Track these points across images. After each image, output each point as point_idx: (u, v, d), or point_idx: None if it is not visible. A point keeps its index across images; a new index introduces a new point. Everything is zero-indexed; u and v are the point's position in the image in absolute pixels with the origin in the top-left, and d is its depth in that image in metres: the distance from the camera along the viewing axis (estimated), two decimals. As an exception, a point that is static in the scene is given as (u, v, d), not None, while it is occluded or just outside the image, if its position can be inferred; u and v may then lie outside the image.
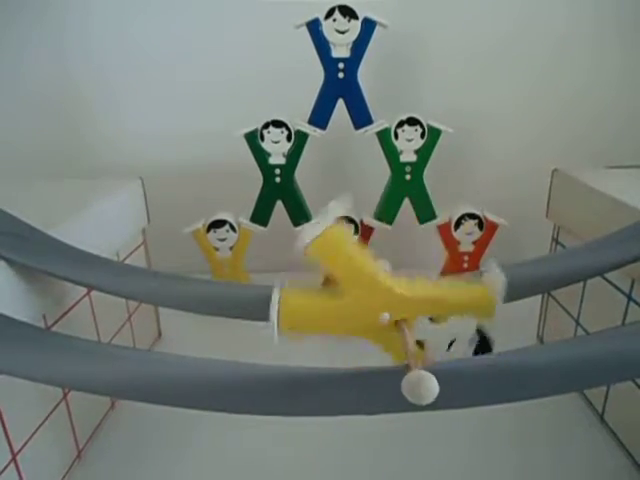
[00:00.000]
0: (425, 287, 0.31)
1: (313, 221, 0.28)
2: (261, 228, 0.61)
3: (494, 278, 0.31)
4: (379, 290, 0.29)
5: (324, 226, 0.28)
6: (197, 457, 0.43)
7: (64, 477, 0.40)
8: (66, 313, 0.40)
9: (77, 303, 0.42)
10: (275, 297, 0.29)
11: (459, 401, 0.28)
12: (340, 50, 0.55)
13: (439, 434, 0.44)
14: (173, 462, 0.42)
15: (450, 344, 0.30)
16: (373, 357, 0.30)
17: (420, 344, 0.31)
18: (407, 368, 0.25)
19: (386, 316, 0.30)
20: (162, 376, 0.29)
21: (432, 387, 0.24)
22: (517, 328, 0.59)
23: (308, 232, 0.28)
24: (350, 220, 0.61)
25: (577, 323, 0.48)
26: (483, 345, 0.30)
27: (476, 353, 0.30)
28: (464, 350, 0.30)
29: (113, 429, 0.46)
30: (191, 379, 0.28)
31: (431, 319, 0.31)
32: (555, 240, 0.54)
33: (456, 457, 0.42)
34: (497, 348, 0.58)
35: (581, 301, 0.47)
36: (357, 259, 0.29)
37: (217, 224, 0.60)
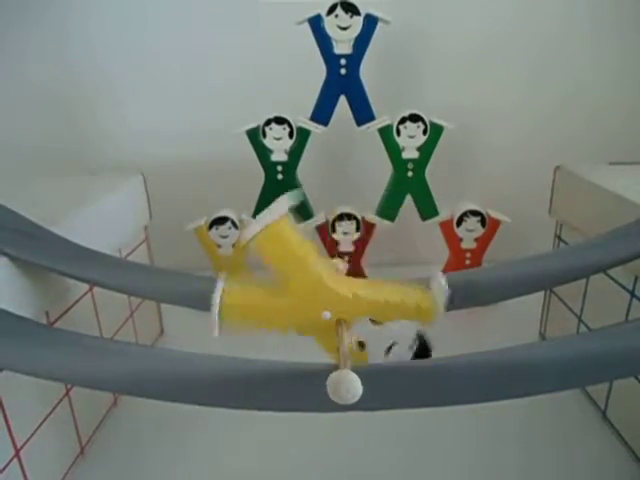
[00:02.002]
0: (369, 288, 0.31)
1: (260, 215, 0.28)
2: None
3: (438, 284, 0.31)
4: (321, 288, 0.30)
5: (268, 221, 0.28)
6: (200, 454, 0.43)
7: (67, 473, 0.40)
8: (68, 309, 0.40)
9: (79, 300, 0.42)
10: (217, 292, 0.30)
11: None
12: (342, 46, 0.55)
13: (439, 430, 0.44)
14: (176, 459, 0.42)
15: (390, 347, 0.31)
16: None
17: (362, 345, 0.31)
18: (335, 367, 0.25)
19: (327, 314, 0.30)
20: (166, 372, 0.29)
21: (353, 388, 0.24)
22: (519, 325, 0.60)
23: (252, 227, 0.28)
24: (352, 217, 0.61)
25: (579, 320, 0.48)
26: (422, 351, 0.30)
27: (415, 358, 0.30)
28: (403, 355, 0.30)
29: (116, 426, 0.46)
30: (195, 375, 0.28)
31: (372, 320, 0.31)
32: (558, 237, 0.53)
33: (456, 453, 0.42)
34: (498, 345, 0.58)
35: (584, 298, 0.47)
36: (300, 255, 0.29)
37: (219, 221, 0.60)
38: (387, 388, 0.27)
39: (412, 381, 0.27)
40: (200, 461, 0.42)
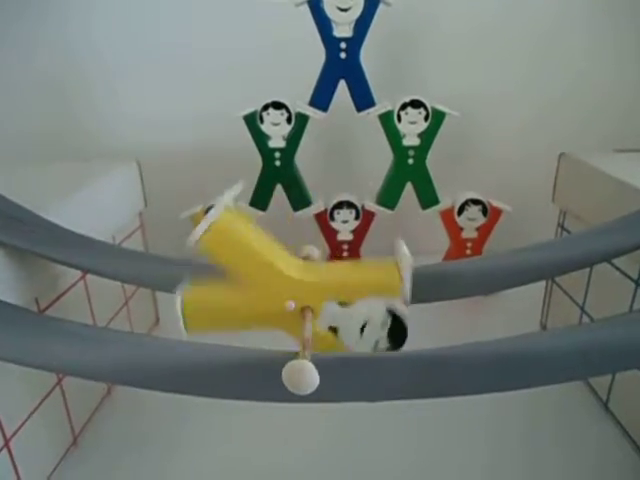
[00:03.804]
0: (330, 271, 0.30)
1: (209, 214, 0.27)
2: (260, 213, 0.60)
3: (402, 254, 0.29)
4: (279, 278, 0.29)
5: (212, 219, 0.27)
6: (194, 444, 0.42)
7: (59, 463, 0.39)
8: (60, 297, 0.39)
9: (72, 287, 0.41)
10: (178, 299, 0.29)
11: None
12: (342, 29, 0.54)
13: (441, 421, 0.43)
14: (170, 449, 0.41)
15: (362, 328, 0.30)
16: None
17: (334, 330, 0.30)
18: (295, 356, 0.24)
19: (291, 304, 0.29)
20: (160, 361, 0.28)
21: (308, 378, 0.23)
22: (520, 315, 0.59)
23: (197, 229, 0.27)
24: (351, 205, 0.60)
25: (582, 310, 0.47)
26: (396, 325, 0.29)
27: (391, 334, 0.29)
28: (377, 333, 0.29)
29: (109, 415, 0.45)
30: (190, 364, 0.27)
31: (340, 303, 0.30)
32: (561, 226, 0.52)
33: (458, 445, 0.41)
34: (499, 335, 0.58)
35: (587, 287, 0.46)
36: (252, 248, 0.28)
37: (216, 208, 0.59)
38: (352, 378, 0.26)
39: (397, 372, 0.26)
40: (195, 451, 0.41)
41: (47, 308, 0.38)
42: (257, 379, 0.27)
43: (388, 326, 0.29)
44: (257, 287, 0.29)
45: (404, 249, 0.30)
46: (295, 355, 0.25)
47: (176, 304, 0.29)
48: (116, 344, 0.28)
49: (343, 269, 0.32)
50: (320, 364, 0.24)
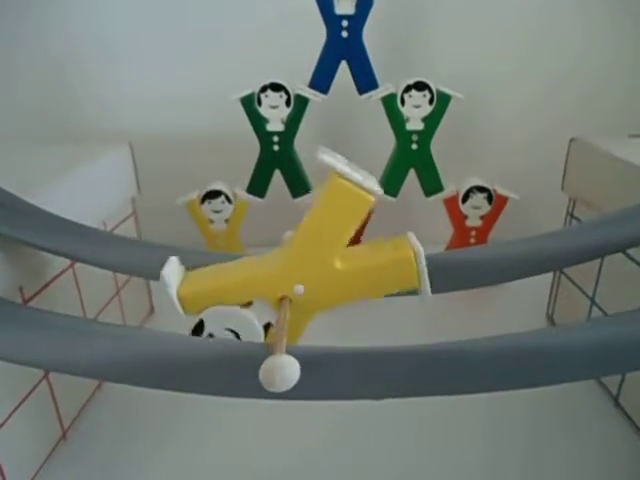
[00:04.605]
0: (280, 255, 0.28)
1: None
2: (258, 199, 0.58)
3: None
4: (265, 284, 0.27)
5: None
6: (186, 438, 0.40)
7: (47, 458, 0.38)
8: (47, 285, 0.37)
9: (60, 274, 0.39)
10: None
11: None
12: (344, 6, 0.51)
13: (444, 408, 0.41)
14: (162, 443, 0.40)
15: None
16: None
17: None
18: (271, 350, 0.22)
19: (300, 288, 0.27)
20: (150, 356, 0.26)
21: (286, 373, 0.21)
22: (525, 306, 0.57)
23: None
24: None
25: (592, 302, 0.46)
26: None
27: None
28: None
29: (101, 409, 0.43)
30: (176, 359, 0.26)
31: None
32: (570, 214, 0.51)
33: (462, 440, 0.40)
34: (503, 327, 0.56)
35: (597, 278, 0.44)
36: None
37: (212, 195, 0.57)
38: (338, 374, 0.24)
39: (396, 367, 0.24)
40: (189, 446, 0.40)
41: (32, 297, 0.36)
42: (230, 374, 0.25)
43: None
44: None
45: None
46: (268, 348, 0.23)
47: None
48: (100, 338, 0.27)
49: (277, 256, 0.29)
50: (301, 358, 0.22)
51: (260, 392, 0.22)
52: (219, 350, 0.25)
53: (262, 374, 0.21)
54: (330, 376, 0.24)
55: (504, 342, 0.25)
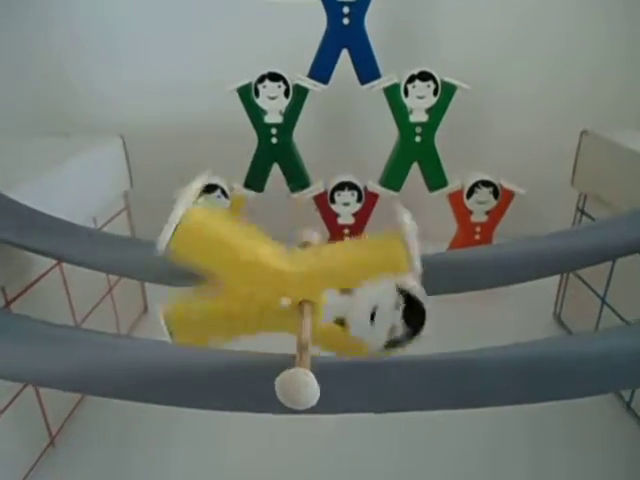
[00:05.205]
0: (321, 256, 0.26)
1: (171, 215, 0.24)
2: (256, 194, 0.56)
3: (404, 224, 0.25)
4: (265, 273, 0.25)
5: (176, 219, 0.23)
6: (181, 444, 0.39)
7: (35, 464, 0.36)
8: (31, 285, 0.36)
9: (46, 273, 0.37)
10: (160, 316, 0.26)
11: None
12: (345, -8, 0.49)
13: (450, 414, 0.40)
14: (152, 448, 0.39)
15: (372, 315, 0.25)
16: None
17: (340, 322, 0.26)
18: (291, 361, 0.21)
19: (284, 302, 0.25)
20: (138, 368, 0.24)
21: (305, 392, 0.19)
22: (531, 305, 0.55)
23: (164, 232, 0.23)
24: (353, 186, 0.56)
25: (603, 302, 0.44)
26: (411, 306, 0.25)
27: (406, 318, 0.25)
28: (391, 317, 0.25)
29: (89, 414, 0.42)
30: (169, 371, 0.24)
31: (343, 290, 0.26)
32: (580, 210, 0.49)
33: (465, 445, 0.38)
34: (509, 328, 0.55)
35: (609, 277, 0.43)
36: (228, 245, 0.24)
37: (208, 189, 0.55)
38: (357, 386, 0.23)
39: (410, 379, 0.23)
40: (181, 451, 0.38)
41: (16, 298, 0.34)
42: (246, 389, 0.23)
43: (402, 307, 0.25)
44: (243, 288, 0.25)
45: (404, 216, 0.25)
46: (291, 360, 0.21)
47: (160, 321, 0.26)
48: (83, 348, 0.25)
49: (336, 251, 0.27)
50: (322, 370, 0.20)
51: (279, 409, 0.20)
52: (229, 361, 0.23)
53: (280, 390, 0.20)
54: (352, 389, 0.23)
55: (515, 353, 0.23)
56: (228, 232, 0.25)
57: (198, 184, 0.26)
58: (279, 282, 0.25)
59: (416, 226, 0.25)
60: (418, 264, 0.24)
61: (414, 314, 0.25)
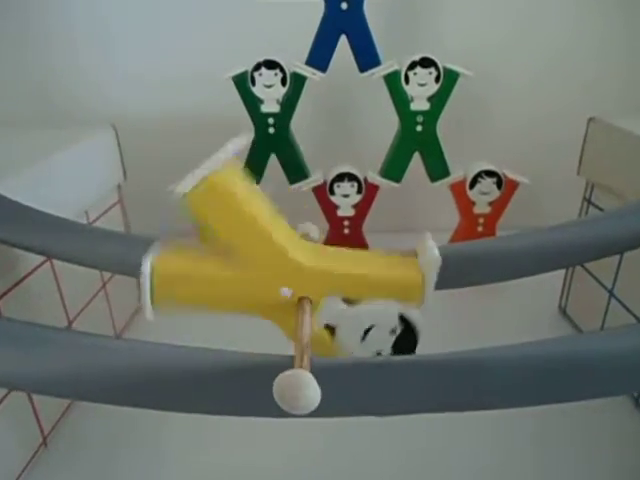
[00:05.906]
0: (341, 259, 0.25)
1: (203, 165, 0.22)
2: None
3: (429, 257, 0.25)
4: (278, 257, 0.24)
5: (205, 172, 0.22)
6: (175, 445, 0.38)
7: (27, 465, 0.35)
8: (20, 282, 0.34)
9: (35, 269, 0.36)
10: (145, 268, 0.23)
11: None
12: (343, -25, 0.47)
13: (459, 422, 0.39)
14: (147, 447, 0.38)
15: (367, 331, 0.25)
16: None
17: (330, 329, 0.25)
18: (290, 361, 0.20)
19: (285, 291, 0.24)
20: (130, 374, 0.23)
21: (305, 395, 0.18)
22: (536, 297, 0.54)
23: (188, 180, 0.22)
24: (352, 177, 0.54)
25: (611, 294, 0.43)
26: (406, 336, 0.24)
27: (395, 345, 0.24)
28: (382, 340, 0.24)
29: (82, 413, 0.41)
30: (161, 373, 0.23)
31: (346, 300, 0.25)
32: (587, 200, 0.47)
33: (471, 443, 0.38)
34: (514, 321, 0.54)
35: (618, 268, 0.41)
36: (251, 216, 0.23)
37: (204, 181, 0.54)
38: (360, 388, 0.22)
39: (417, 380, 0.22)
40: (175, 453, 0.37)
41: (3, 296, 0.33)
42: (242, 392, 0.22)
43: (397, 334, 0.24)
44: (251, 264, 0.24)
45: (433, 251, 0.25)
46: (290, 361, 0.20)
47: (143, 268, 0.24)
48: (72, 352, 0.23)
49: (356, 260, 0.26)
50: (322, 372, 0.19)
51: (277, 412, 0.19)
52: (224, 362, 0.22)
53: (278, 393, 0.18)
54: (347, 393, 0.22)
55: (525, 352, 0.22)
56: (254, 204, 0.24)
57: (237, 144, 0.24)
58: (291, 271, 0.24)
59: (440, 260, 0.24)
60: (431, 301, 0.24)
61: (405, 342, 0.25)
